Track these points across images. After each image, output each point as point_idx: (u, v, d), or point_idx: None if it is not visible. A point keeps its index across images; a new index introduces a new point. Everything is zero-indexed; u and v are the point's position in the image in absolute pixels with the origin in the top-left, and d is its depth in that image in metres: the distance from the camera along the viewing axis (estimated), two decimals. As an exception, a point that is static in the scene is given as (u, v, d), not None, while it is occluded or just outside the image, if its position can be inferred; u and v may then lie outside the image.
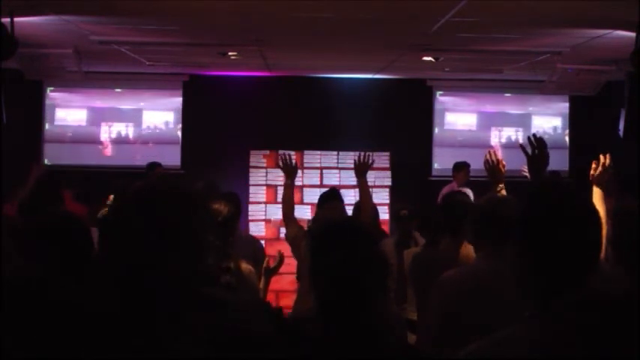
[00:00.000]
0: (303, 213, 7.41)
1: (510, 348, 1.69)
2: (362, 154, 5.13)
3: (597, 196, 3.56)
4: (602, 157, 3.62)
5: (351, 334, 2.00)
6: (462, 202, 3.94)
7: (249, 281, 3.77)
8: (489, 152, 3.84)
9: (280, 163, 5.16)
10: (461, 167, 9.01)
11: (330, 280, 2.04)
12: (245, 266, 3.75)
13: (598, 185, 3.59)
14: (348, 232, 2.15)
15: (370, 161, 5.10)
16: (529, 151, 3.24)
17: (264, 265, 4.27)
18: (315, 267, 2.11)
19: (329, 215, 4.59)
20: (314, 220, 5.49)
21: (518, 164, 5.21)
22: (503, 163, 3.82)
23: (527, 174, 3.49)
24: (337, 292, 2.02)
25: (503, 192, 3.71)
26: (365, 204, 5.20)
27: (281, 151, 5.82)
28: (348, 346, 1.98)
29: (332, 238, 2.13)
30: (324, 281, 2.06)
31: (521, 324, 1.74)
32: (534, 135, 3.31)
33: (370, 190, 5.34)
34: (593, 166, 3.64)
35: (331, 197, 4.98)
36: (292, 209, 4.96)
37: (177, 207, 1.62)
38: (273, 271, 4.29)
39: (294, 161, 5.15)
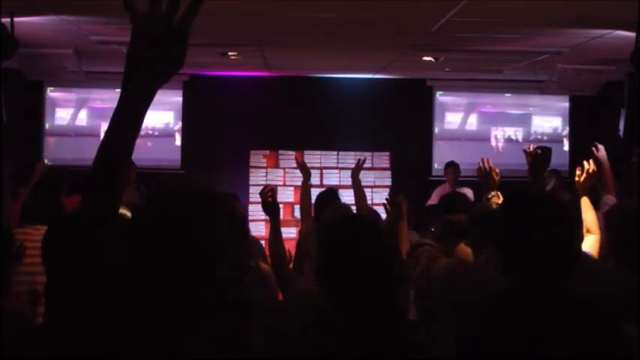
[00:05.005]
0: (303, 213, 7.40)
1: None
2: (361, 158, 5.76)
3: (585, 204, 3.50)
4: (586, 162, 3.58)
5: (374, 323, 1.99)
6: (460, 203, 3.94)
7: (269, 281, 3.76)
8: (482, 160, 3.83)
9: (297, 165, 5.78)
10: (447, 166, 9.04)
11: (350, 269, 2.04)
12: (264, 266, 3.74)
13: (582, 192, 3.53)
14: (360, 223, 2.17)
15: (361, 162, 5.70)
16: (533, 152, 3.24)
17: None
18: (331, 261, 2.09)
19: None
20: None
21: (518, 165, 5.22)
22: (497, 170, 3.80)
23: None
24: (358, 281, 2.02)
25: (496, 199, 3.70)
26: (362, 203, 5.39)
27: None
28: (371, 334, 1.97)
29: (347, 229, 2.13)
30: (346, 272, 2.05)
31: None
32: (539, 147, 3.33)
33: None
34: (578, 172, 3.58)
35: (333, 197, 5.09)
36: (309, 206, 5.26)
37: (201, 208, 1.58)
38: None
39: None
